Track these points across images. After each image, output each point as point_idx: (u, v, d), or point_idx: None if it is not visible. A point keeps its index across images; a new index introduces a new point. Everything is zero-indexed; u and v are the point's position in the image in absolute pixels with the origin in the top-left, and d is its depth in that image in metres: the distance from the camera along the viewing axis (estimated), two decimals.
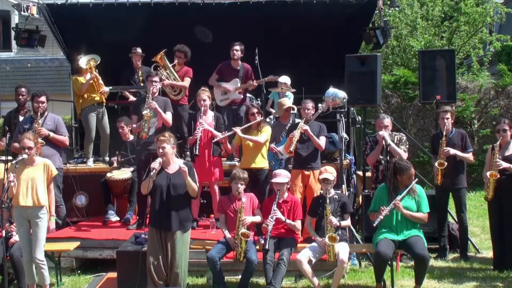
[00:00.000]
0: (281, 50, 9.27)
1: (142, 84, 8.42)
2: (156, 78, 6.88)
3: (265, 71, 7.97)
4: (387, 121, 6.57)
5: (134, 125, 6.94)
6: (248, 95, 8.48)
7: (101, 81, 8.08)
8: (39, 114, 6.69)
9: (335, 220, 5.49)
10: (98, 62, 8.08)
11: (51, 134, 6.72)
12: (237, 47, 7.86)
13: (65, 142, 7.00)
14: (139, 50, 8.54)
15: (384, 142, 6.39)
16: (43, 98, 6.75)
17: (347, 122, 7.52)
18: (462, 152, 6.56)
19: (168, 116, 6.80)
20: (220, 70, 8.04)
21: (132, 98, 8.52)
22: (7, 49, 18.23)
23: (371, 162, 6.72)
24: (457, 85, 8.71)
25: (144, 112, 6.57)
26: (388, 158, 6.32)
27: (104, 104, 8.33)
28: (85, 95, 8.13)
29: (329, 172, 5.75)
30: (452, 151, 6.48)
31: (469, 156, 6.62)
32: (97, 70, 8.09)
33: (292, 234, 5.78)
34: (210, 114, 6.96)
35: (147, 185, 5.14)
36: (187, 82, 7.95)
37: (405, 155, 6.34)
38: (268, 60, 8.06)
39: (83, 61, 8.04)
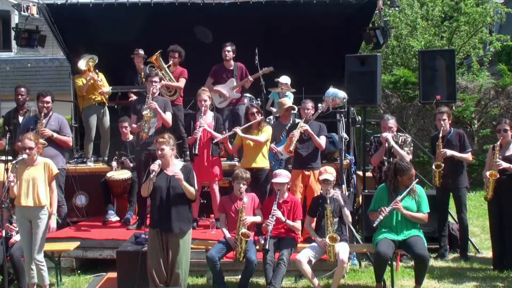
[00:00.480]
0: (281, 50, 9.27)
1: None
2: (156, 78, 6.86)
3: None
4: (392, 122, 6.57)
5: (134, 125, 6.94)
6: (248, 95, 8.49)
7: (100, 82, 8.08)
8: (43, 114, 6.67)
9: (336, 193, 5.58)
10: (96, 62, 8.08)
11: (55, 134, 6.70)
12: (229, 48, 7.86)
13: (69, 143, 6.99)
14: (141, 51, 8.52)
15: (387, 144, 6.39)
16: (48, 98, 6.73)
17: (347, 122, 7.51)
18: (460, 152, 6.56)
19: (168, 117, 6.79)
20: (215, 73, 8.05)
21: (135, 98, 8.53)
22: (7, 49, 18.21)
23: (375, 163, 6.72)
24: (457, 85, 8.71)
25: (144, 113, 6.56)
26: (391, 159, 6.31)
27: (106, 104, 8.33)
28: (86, 95, 8.13)
29: (329, 173, 5.74)
30: (449, 152, 6.47)
31: (468, 156, 6.61)
32: (97, 71, 8.09)
33: (292, 234, 5.78)
34: (210, 114, 6.96)
35: (147, 188, 5.13)
36: (182, 82, 7.95)
37: (408, 157, 6.33)
38: (268, 60, 8.05)
39: (82, 63, 8.04)
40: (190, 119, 7.06)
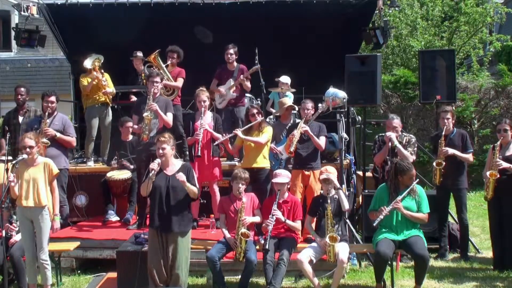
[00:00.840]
0: (281, 50, 9.29)
1: None
2: (158, 79, 6.82)
3: (265, 71, 7.96)
4: (396, 122, 6.56)
5: (135, 126, 6.93)
6: (248, 95, 8.48)
7: (104, 82, 8.08)
8: (47, 114, 6.66)
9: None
10: (102, 61, 8.09)
11: (58, 134, 6.69)
12: (231, 50, 7.88)
13: (72, 143, 6.97)
14: (139, 54, 8.51)
15: (390, 143, 6.38)
16: (52, 98, 6.72)
17: (347, 122, 7.50)
18: (462, 153, 6.56)
19: (169, 117, 6.76)
20: (219, 74, 8.08)
21: (134, 99, 8.52)
22: (7, 49, 18.21)
23: (378, 162, 6.71)
24: (457, 85, 8.71)
25: (144, 115, 6.51)
26: (394, 158, 6.30)
27: (110, 104, 8.33)
28: (90, 95, 8.13)
29: (330, 172, 5.75)
30: (451, 151, 6.47)
31: (469, 156, 6.61)
32: (102, 71, 8.09)
33: (292, 234, 5.78)
34: (209, 114, 6.94)
35: (146, 187, 5.13)
36: (180, 82, 7.95)
37: (411, 158, 6.28)
38: (268, 60, 8.06)
39: (88, 62, 8.03)
40: (189, 119, 7.05)
